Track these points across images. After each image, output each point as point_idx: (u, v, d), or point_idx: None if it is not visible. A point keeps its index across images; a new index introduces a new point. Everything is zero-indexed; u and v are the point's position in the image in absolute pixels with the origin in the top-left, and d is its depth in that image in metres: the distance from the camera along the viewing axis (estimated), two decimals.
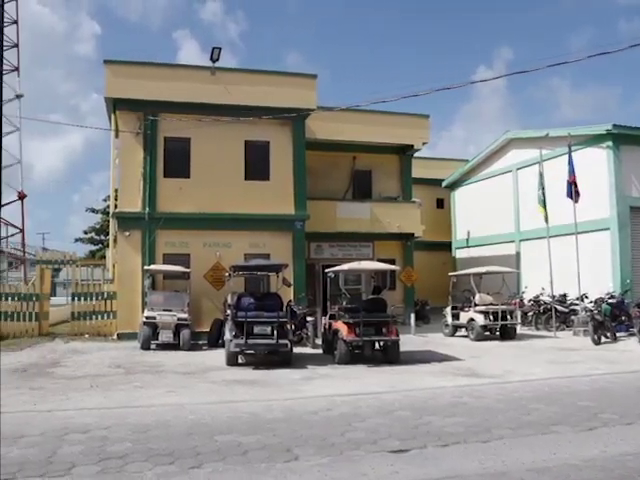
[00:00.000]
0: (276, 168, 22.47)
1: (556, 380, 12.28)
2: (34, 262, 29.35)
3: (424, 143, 27.94)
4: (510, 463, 6.69)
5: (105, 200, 49.43)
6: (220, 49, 21.58)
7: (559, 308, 22.81)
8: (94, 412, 9.28)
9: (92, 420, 8.69)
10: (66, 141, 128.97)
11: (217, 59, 21.74)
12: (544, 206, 22.76)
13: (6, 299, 21.17)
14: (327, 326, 16.98)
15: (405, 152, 27.94)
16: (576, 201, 21.94)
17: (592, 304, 20.93)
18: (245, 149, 22.32)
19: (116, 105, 21.59)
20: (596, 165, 24.05)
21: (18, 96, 37.43)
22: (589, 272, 22.57)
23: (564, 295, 23.31)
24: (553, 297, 22.64)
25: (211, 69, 21.85)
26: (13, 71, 38.18)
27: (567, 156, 22.49)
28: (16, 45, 38.43)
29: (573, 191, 21.93)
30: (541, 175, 23.03)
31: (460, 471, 6.45)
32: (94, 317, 21.47)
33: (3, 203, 37.76)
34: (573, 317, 22.29)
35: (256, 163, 22.34)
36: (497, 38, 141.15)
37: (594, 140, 24.24)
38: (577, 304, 22.37)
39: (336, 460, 6.88)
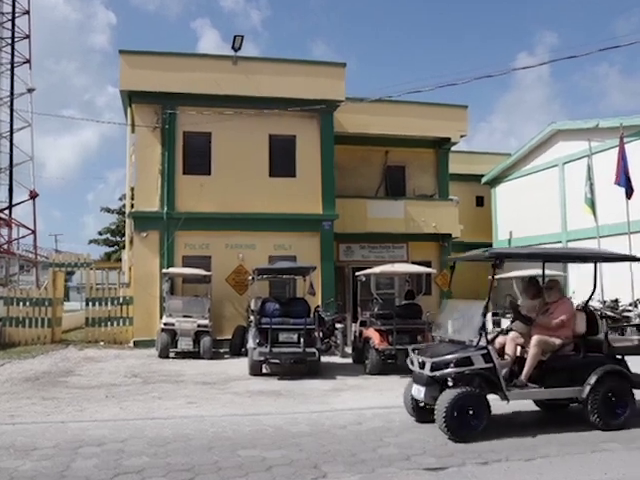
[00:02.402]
0: (303, 164, 22.51)
1: None
2: (46, 265, 29.82)
3: (462, 136, 27.75)
4: None
5: (121, 199, 50.04)
6: (242, 37, 21.69)
7: (610, 315, 22.46)
8: (109, 424, 9.38)
9: (107, 432, 8.79)
10: (80, 137, 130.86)
11: (239, 47, 21.85)
12: (591, 205, 22.44)
13: (17, 304, 21.49)
14: (357, 333, 16.97)
15: (441, 146, 27.78)
16: (629, 197, 21.60)
17: None
18: (270, 144, 22.40)
19: (132, 98, 21.81)
20: None
21: (30, 90, 38.03)
22: None
23: (616, 301, 22.95)
24: (604, 303, 22.32)
25: (233, 58, 21.97)
26: (24, 63, 38.81)
27: (618, 148, 22.17)
28: (27, 36, 39.05)
29: (626, 187, 21.60)
30: (590, 169, 22.73)
31: None
32: (109, 323, 21.70)
33: (14, 203, 38.45)
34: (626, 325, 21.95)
35: (281, 159, 22.41)
36: (539, 22, 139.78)
37: None
38: (630, 310, 22.02)
39: (367, 478, 6.87)
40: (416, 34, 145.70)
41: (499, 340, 9.71)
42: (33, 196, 37.76)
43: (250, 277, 18.92)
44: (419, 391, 9.01)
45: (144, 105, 21.67)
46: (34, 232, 38.19)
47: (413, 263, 21.94)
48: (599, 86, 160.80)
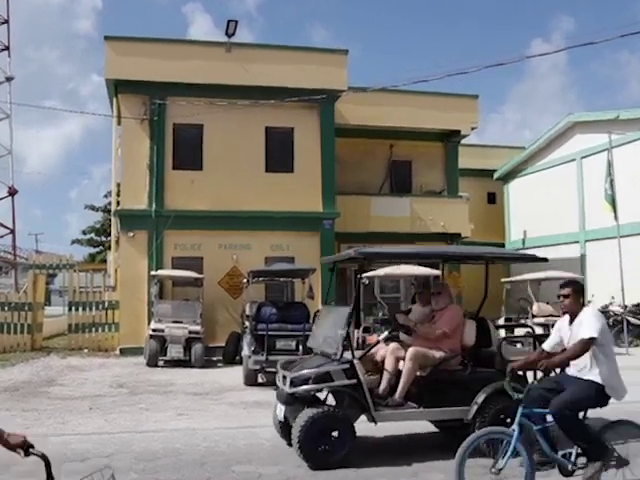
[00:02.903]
0: (301, 158, 22.52)
1: (634, 406, 12.07)
2: (26, 267, 29.79)
3: (473, 128, 27.76)
4: None
5: (106, 196, 50.05)
6: (236, 22, 21.72)
7: (632, 320, 22.47)
8: (94, 437, 9.38)
9: (92, 446, 8.79)
10: (62, 130, 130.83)
11: (233, 33, 21.87)
12: (611, 202, 22.44)
13: None
14: (360, 341, 16.96)
15: (450, 139, 27.78)
16: None
17: None
18: (266, 137, 22.41)
19: (118, 88, 21.82)
20: None
21: (8, 79, 37.96)
22: None
23: (638, 305, 22.96)
24: (625, 307, 22.32)
25: (226, 45, 21.98)
26: (3, 50, 38.75)
27: None
28: (6, 21, 38.97)
29: None
30: (610, 164, 22.73)
31: None
32: (94, 329, 21.70)
33: None
34: None
35: (278, 153, 22.42)
36: (554, 6, 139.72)
37: None
38: None
39: None
40: (425, 19, 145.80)
41: (381, 353, 8.85)
42: (12, 193, 37.70)
43: (245, 280, 18.91)
44: (280, 410, 8.54)
45: (131, 95, 21.67)
46: (13, 231, 38.14)
47: (419, 265, 21.93)
48: (619, 75, 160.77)
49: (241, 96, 21.65)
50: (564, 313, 6.87)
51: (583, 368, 6.49)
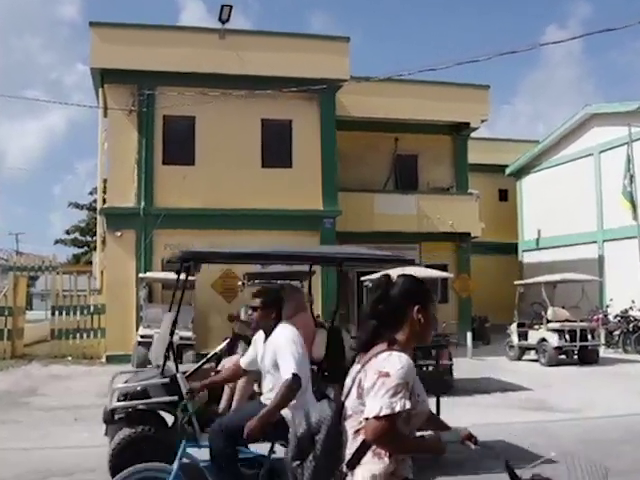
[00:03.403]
0: (300, 153, 22.52)
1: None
2: (6, 269, 29.78)
3: (483, 120, 27.77)
4: None
5: (92, 193, 49.96)
6: (231, 7, 21.73)
7: None
8: (79, 451, 9.37)
9: (76, 461, 8.78)
10: (45, 122, 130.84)
11: (227, 19, 21.88)
12: (630, 199, 22.47)
13: None
14: None
15: (459, 132, 27.80)
16: None
17: None
18: (262, 129, 22.42)
19: (104, 77, 21.82)
20: None
21: None
22: None
23: None
24: None
25: (220, 32, 21.98)
26: None
27: None
28: None
29: None
30: (629, 159, 22.76)
31: None
32: (78, 335, 21.70)
33: None
34: None
35: (275, 146, 22.43)
36: None
37: None
38: None
39: None
40: (432, 4, 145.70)
41: (226, 365, 8.28)
42: None
43: (240, 283, 18.91)
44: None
45: (118, 85, 21.67)
46: None
47: (426, 267, 21.96)
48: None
49: (236, 86, 21.64)
50: (253, 329, 6.41)
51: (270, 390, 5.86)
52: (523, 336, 22.04)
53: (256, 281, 18.13)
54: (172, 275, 20.06)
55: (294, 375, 5.47)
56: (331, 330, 8.86)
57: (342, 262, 9.24)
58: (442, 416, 12.08)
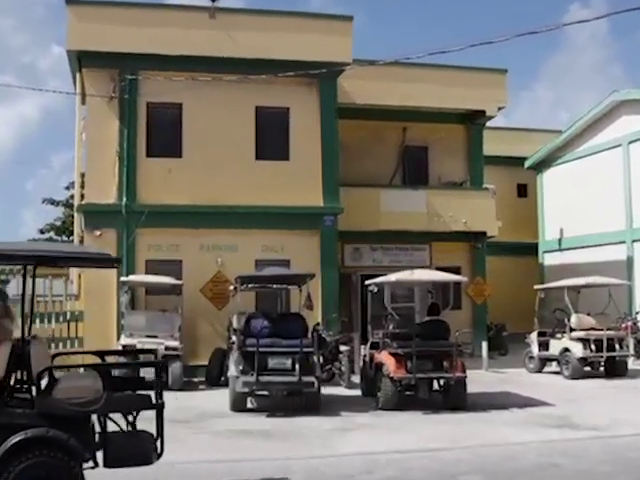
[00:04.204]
0: (298, 144, 22.51)
1: None
2: None
3: (500, 108, 27.76)
4: None
5: (68, 188, 49.93)
6: None
7: None
8: None
9: None
10: (17, 110, 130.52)
11: None
12: None
13: None
14: (368, 358, 16.97)
15: (474, 121, 27.79)
16: None
17: None
18: (256, 118, 22.40)
19: (82, 61, 21.79)
20: None
21: None
22: None
23: None
24: None
25: (210, 10, 21.95)
26: None
27: None
28: None
29: None
30: None
31: None
32: (54, 345, 21.67)
33: None
34: None
35: (271, 137, 22.42)
36: None
37: None
38: None
39: None
40: None
41: None
42: None
43: (232, 287, 18.90)
44: None
45: (97, 69, 21.63)
46: None
47: (438, 269, 21.98)
48: None
49: (227, 70, 21.60)
50: None
51: None
52: (544, 346, 22.04)
53: (249, 286, 18.15)
54: (157, 278, 20.20)
55: None
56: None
57: (39, 263, 8.27)
58: (458, 433, 12.15)
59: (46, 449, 7.00)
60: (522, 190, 35.84)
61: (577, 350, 20.55)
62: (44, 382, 7.55)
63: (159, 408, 7.73)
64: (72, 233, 37.34)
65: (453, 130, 27.83)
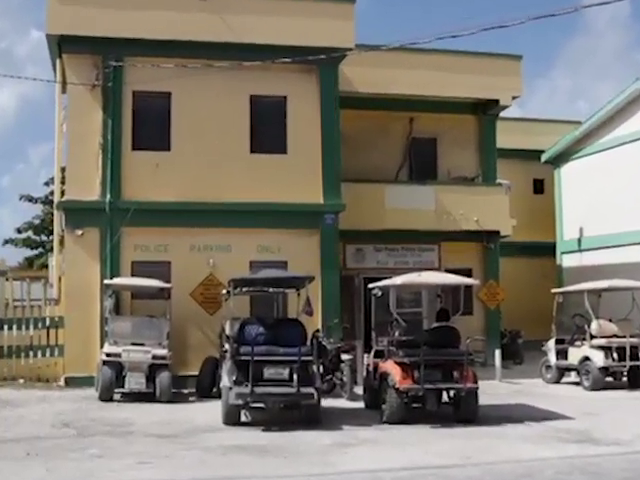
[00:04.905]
0: (296, 136, 22.51)
1: None
2: None
3: (514, 97, 27.75)
4: None
5: (47, 184, 49.96)
6: None
7: None
8: None
9: None
10: None
11: None
12: None
13: None
14: (372, 368, 16.96)
15: (486, 111, 27.78)
16: None
17: None
18: (251, 108, 22.40)
19: (63, 46, 21.77)
20: None
21: None
22: None
23: None
24: None
25: None
26: None
27: None
28: None
29: None
30: None
31: None
32: (32, 354, 21.66)
33: None
34: None
35: (267, 128, 22.42)
36: None
37: None
38: None
39: None
40: None
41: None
42: None
43: (224, 291, 18.89)
44: None
45: (79, 55, 21.63)
46: None
47: (447, 271, 21.96)
48: None
49: (220, 56, 21.60)
50: None
51: None
52: (562, 354, 22.04)
53: (243, 289, 18.13)
54: (143, 281, 20.21)
55: None
56: None
57: None
58: (470, 449, 12.14)
59: None
60: (538, 186, 35.83)
61: (598, 359, 20.54)
62: None
63: None
64: (52, 232, 37.34)
65: (464, 121, 27.84)
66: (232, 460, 11.54)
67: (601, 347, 20.66)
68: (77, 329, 20.83)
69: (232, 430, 14.31)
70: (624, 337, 20.78)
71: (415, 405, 15.36)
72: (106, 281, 20.22)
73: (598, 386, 20.36)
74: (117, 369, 18.34)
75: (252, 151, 22.24)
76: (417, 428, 14.47)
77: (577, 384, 21.16)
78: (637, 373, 20.75)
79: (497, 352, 22.83)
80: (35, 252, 54.54)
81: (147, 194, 21.24)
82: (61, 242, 24.06)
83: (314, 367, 15.35)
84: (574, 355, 21.51)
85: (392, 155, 27.26)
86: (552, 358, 22.30)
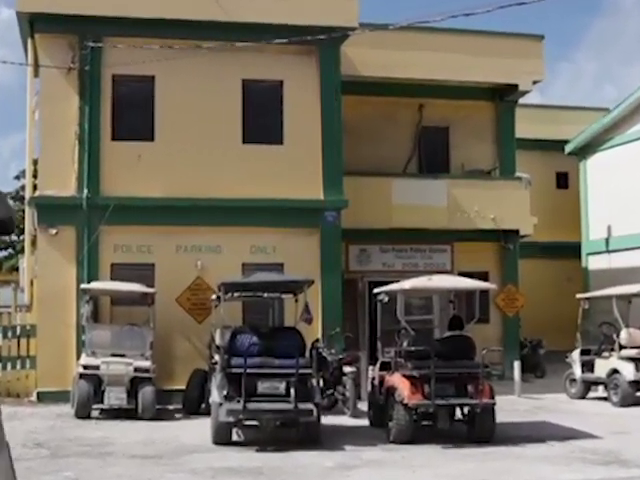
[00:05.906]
0: (294, 125, 22.53)
1: None
2: None
3: (535, 82, 27.77)
4: None
5: (18, 178, 50.11)
6: None
7: None
8: None
9: None
10: None
11: None
12: None
13: None
14: (377, 382, 16.98)
15: (504, 97, 27.80)
16: None
17: None
18: (243, 94, 22.42)
19: (35, 25, 21.77)
20: None
21: None
22: None
23: None
24: None
25: None
26: None
27: None
28: None
29: None
30: None
31: None
32: (0, 366, 21.71)
33: None
34: None
35: (261, 116, 22.45)
36: None
37: None
38: None
39: None
40: None
41: None
42: None
43: (214, 296, 18.90)
44: None
45: (53, 35, 21.65)
46: None
47: (461, 275, 21.99)
48: None
49: (209, 36, 21.63)
50: None
51: None
52: (588, 367, 22.05)
53: (235, 294, 18.14)
54: (124, 286, 20.24)
55: None
56: None
57: None
58: (486, 471, 12.19)
59: None
60: (562, 180, 35.88)
61: (628, 372, 20.54)
62: None
63: None
64: (22, 232, 37.38)
65: (479, 108, 27.89)
66: None
67: (631, 359, 20.67)
68: (51, 338, 20.83)
69: (222, 450, 14.33)
70: None
71: (425, 423, 15.39)
72: (83, 285, 20.22)
73: (628, 402, 20.37)
74: (95, 383, 18.33)
75: (245, 141, 22.25)
76: (427, 448, 14.50)
77: (605, 399, 21.18)
78: None
79: (516, 364, 22.83)
80: (4, 253, 54.65)
81: (128, 189, 21.25)
82: (33, 242, 24.11)
83: (313, 381, 15.38)
84: (601, 367, 21.52)
85: (400, 146, 27.26)
86: (577, 371, 22.31)
